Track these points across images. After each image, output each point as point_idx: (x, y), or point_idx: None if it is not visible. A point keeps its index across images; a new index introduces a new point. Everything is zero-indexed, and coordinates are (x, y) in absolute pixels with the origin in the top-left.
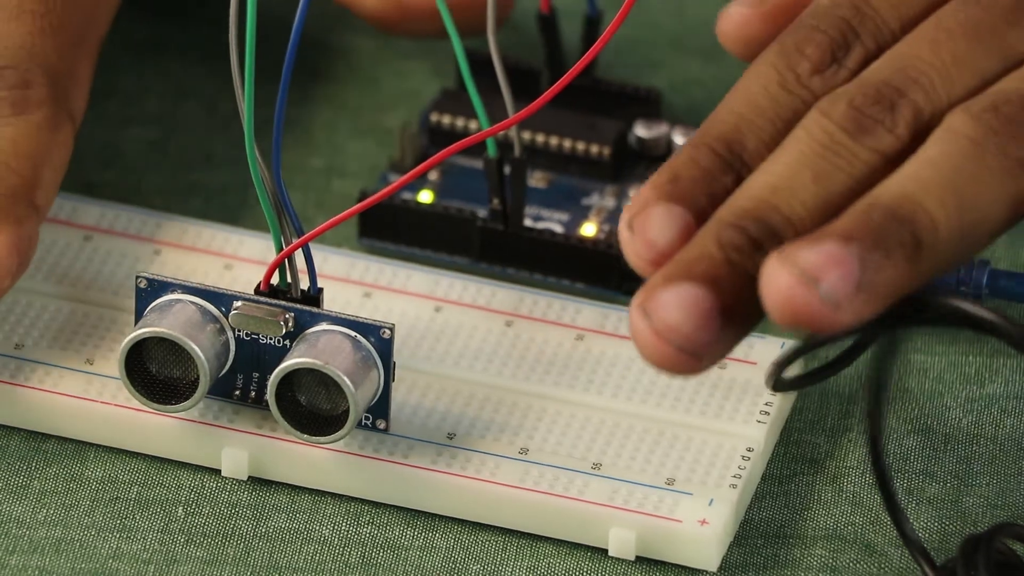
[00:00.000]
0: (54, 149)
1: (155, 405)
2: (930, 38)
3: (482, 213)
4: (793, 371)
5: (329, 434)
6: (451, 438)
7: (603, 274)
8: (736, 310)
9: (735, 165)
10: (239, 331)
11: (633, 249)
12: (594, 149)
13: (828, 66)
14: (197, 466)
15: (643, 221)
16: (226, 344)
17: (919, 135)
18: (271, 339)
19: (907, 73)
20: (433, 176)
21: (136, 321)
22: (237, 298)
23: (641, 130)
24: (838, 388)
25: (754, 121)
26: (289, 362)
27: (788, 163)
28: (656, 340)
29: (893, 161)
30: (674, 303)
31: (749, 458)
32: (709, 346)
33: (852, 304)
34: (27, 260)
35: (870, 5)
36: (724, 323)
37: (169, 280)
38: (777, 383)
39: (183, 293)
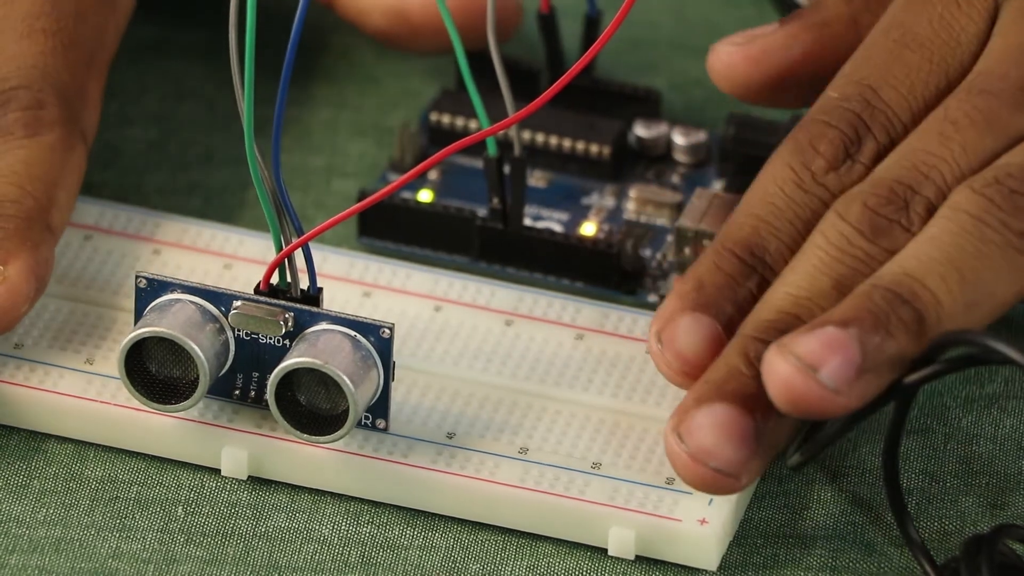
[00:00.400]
0: (68, 170)
1: (155, 405)
2: (938, 131)
3: (482, 212)
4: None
5: (329, 434)
6: (451, 437)
7: (603, 273)
8: (770, 424)
9: (758, 268)
10: (239, 331)
11: (664, 361)
12: (594, 149)
13: (842, 162)
14: (197, 466)
15: (671, 333)
16: (226, 344)
17: None
18: (271, 339)
19: (918, 169)
20: (433, 175)
21: (136, 321)
22: (237, 298)
23: (641, 130)
24: None
25: (772, 223)
26: (289, 362)
27: (807, 272)
28: (693, 464)
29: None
30: (707, 425)
31: None
32: (746, 464)
33: (854, 387)
34: (44, 284)
35: (880, 98)
36: (759, 439)
37: (169, 280)
38: (800, 465)
39: (183, 293)
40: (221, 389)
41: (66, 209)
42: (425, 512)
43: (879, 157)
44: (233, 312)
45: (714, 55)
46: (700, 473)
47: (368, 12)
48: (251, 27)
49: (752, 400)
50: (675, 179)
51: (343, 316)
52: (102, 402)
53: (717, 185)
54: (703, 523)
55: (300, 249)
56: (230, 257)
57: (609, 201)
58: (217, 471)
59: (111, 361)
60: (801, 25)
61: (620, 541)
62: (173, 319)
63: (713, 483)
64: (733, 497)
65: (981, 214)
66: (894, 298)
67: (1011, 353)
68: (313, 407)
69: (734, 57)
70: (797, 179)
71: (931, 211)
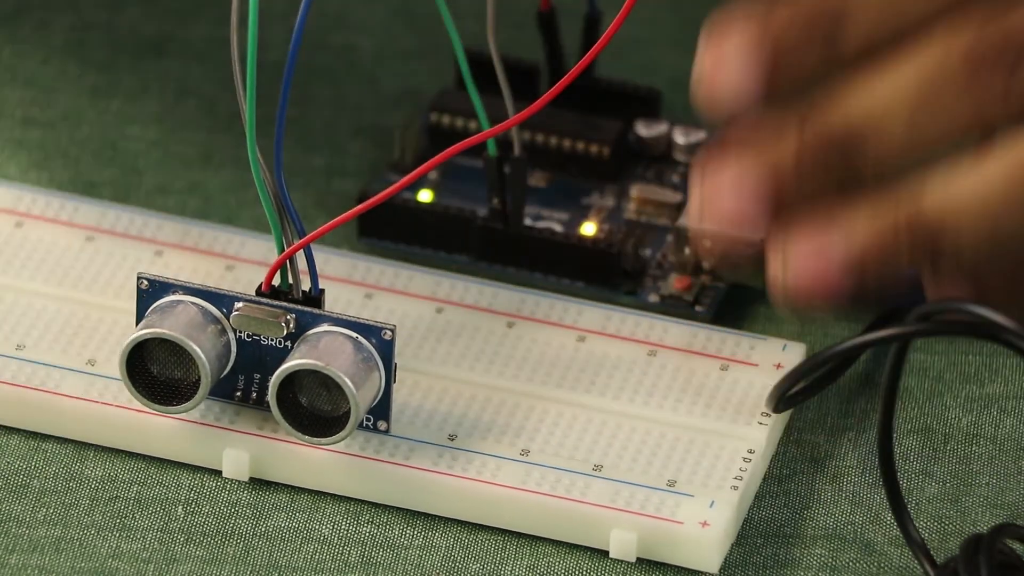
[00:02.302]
0: None
1: (156, 406)
2: None
3: (482, 213)
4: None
5: (330, 435)
6: (452, 439)
7: (603, 273)
8: (782, 213)
9: (830, 39)
10: (240, 332)
11: (698, 201)
12: (594, 148)
13: None
14: (197, 465)
15: (714, 184)
16: (227, 345)
17: None
18: (272, 340)
19: None
20: (433, 176)
21: (137, 322)
22: (238, 299)
23: (641, 129)
24: (838, 388)
25: None
26: (290, 363)
27: (892, 89)
28: (702, 209)
29: (991, 126)
30: (727, 185)
31: (750, 460)
32: (743, 225)
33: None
34: None
35: None
36: (766, 216)
37: (170, 281)
38: (778, 405)
39: (184, 294)
40: (223, 391)
41: None
42: (425, 512)
43: None
44: (235, 314)
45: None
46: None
47: None
48: (252, 27)
49: (781, 188)
50: (675, 179)
51: (345, 318)
52: (104, 403)
53: None
54: (704, 526)
55: (302, 250)
56: (232, 258)
57: (609, 201)
58: (217, 471)
59: (113, 363)
60: None
61: (621, 543)
62: (175, 320)
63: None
64: (735, 500)
65: None
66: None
67: (1001, 320)
68: (315, 409)
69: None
70: None
71: None
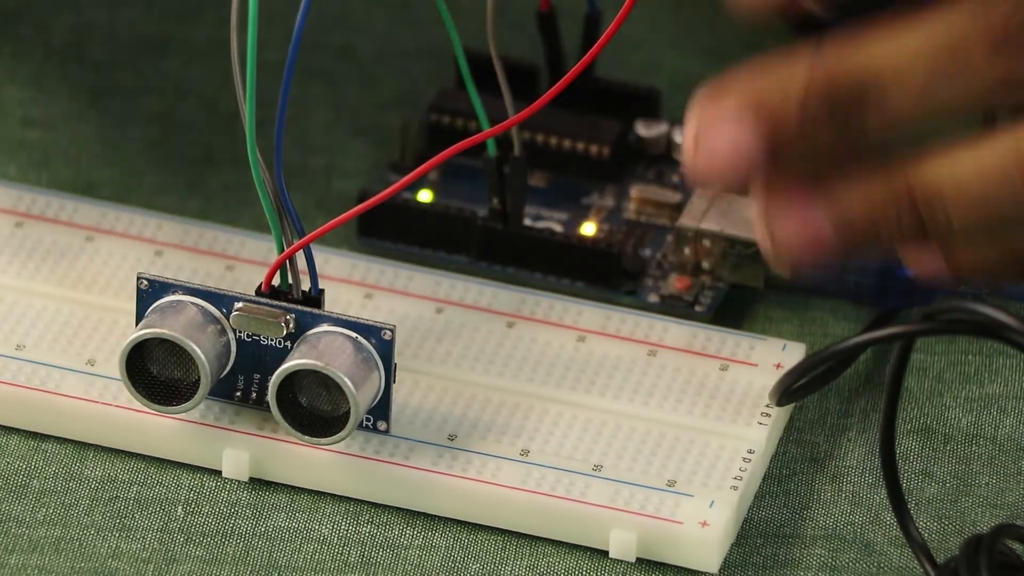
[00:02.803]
0: None
1: (156, 406)
2: None
3: (482, 213)
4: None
5: (330, 435)
6: (452, 440)
7: (603, 273)
8: (776, 166)
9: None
10: (240, 332)
11: (693, 134)
12: (594, 149)
13: None
14: (197, 465)
15: (711, 118)
16: (227, 345)
17: None
18: (272, 340)
19: None
20: (433, 175)
21: (137, 322)
22: (238, 299)
23: (641, 129)
24: (838, 387)
25: None
26: (290, 363)
27: (916, 44)
28: (694, 159)
29: (997, 107)
30: (726, 120)
31: (750, 460)
32: (736, 179)
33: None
34: None
35: None
36: (760, 162)
37: (170, 281)
38: (781, 398)
39: (184, 294)
40: (222, 391)
41: None
42: (425, 512)
43: None
44: (234, 314)
45: None
46: (695, 170)
47: None
48: (252, 26)
49: (778, 133)
50: (675, 179)
51: (344, 318)
52: (104, 403)
53: None
54: (704, 525)
55: (302, 250)
56: (232, 259)
57: (609, 201)
58: (217, 471)
59: (113, 363)
60: None
61: (621, 543)
62: (174, 320)
63: (701, 178)
64: (735, 500)
65: None
66: (912, 211)
67: (1005, 319)
68: (314, 409)
69: None
70: None
71: None
